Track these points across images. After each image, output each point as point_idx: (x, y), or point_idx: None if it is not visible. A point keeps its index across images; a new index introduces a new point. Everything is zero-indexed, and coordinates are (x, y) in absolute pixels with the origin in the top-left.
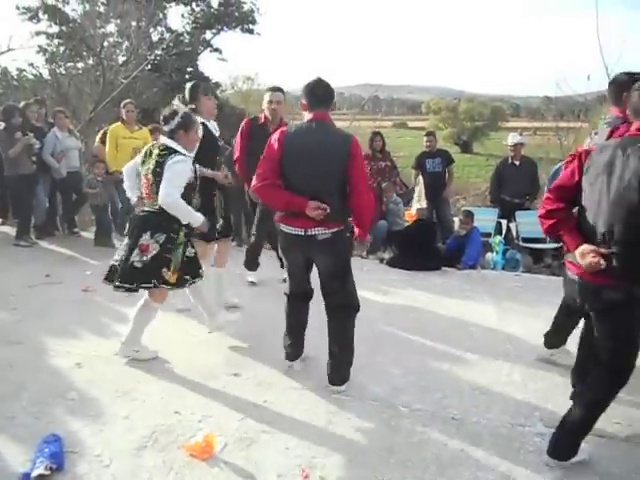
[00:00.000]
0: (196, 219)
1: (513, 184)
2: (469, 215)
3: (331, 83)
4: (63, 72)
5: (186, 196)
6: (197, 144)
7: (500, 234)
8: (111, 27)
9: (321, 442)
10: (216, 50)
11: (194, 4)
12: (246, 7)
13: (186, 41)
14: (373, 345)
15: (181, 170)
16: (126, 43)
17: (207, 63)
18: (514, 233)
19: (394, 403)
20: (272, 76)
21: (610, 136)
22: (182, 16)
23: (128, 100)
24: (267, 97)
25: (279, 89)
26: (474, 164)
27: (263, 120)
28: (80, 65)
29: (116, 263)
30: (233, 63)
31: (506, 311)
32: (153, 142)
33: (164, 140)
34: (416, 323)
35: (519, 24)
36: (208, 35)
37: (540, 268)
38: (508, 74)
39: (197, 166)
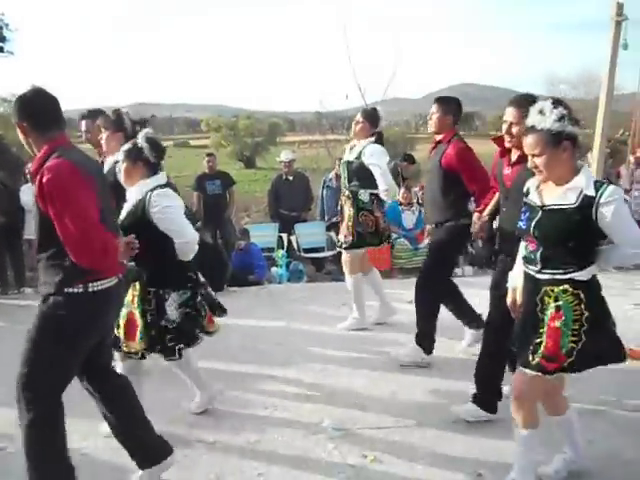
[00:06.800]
0: None
1: (288, 199)
2: (245, 232)
3: (104, 103)
4: None
5: None
6: None
7: (282, 248)
8: None
9: None
10: None
11: None
12: None
13: None
14: (164, 380)
15: None
16: None
17: None
18: (295, 245)
19: (190, 441)
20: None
21: None
22: None
23: None
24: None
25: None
26: (258, 178)
27: None
28: None
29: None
30: None
31: (294, 322)
32: None
33: None
34: (206, 351)
35: (287, 43)
36: None
37: (322, 275)
38: (282, 91)
39: None
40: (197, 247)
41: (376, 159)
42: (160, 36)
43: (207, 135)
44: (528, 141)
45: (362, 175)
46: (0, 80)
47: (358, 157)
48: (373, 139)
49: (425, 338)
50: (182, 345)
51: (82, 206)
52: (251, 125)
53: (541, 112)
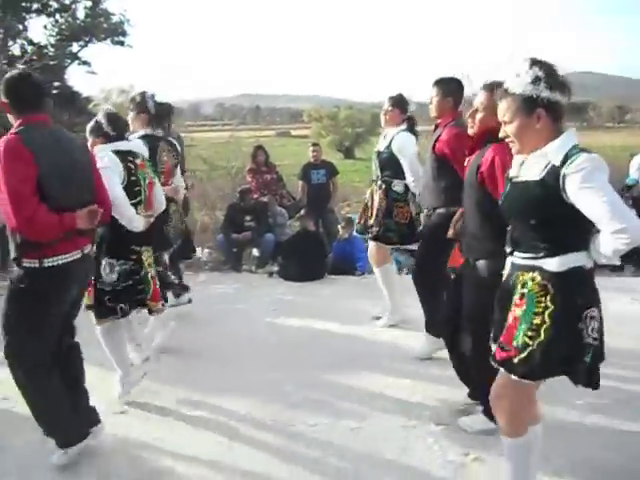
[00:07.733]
0: None
1: None
2: (349, 221)
3: (212, 94)
4: None
5: None
6: None
7: None
8: None
9: (218, 474)
10: (85, 63)
11: (58, 15)
12: (115, 18)
13: (50, 54)
14: (265, 362)
15: None
16: None
17: (75, 77)
18: None
19: (292, 420)
20: (148, 88)
21: None
22: (45, 27)
23: None
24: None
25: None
26: (357, 169)
27: None
28: None
29: None
30: (105, 76)
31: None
32: None
33: None
34: (307, 336)
35: (381, 37)
36: (75, 47)
37: None
38: (383, 82)
39: None
40: (136, 219)
41: (404, 149)
42: (264, 27)
43: (308, 125)
44: (500, 106)
45: (394, 165)
46: (120, 72)
47: (388, 147)
48: (404, 126)
49: (432, 325)
50: (122, 305)
51: (15, 178)
52: (352, 115)
53: (517, 74)
